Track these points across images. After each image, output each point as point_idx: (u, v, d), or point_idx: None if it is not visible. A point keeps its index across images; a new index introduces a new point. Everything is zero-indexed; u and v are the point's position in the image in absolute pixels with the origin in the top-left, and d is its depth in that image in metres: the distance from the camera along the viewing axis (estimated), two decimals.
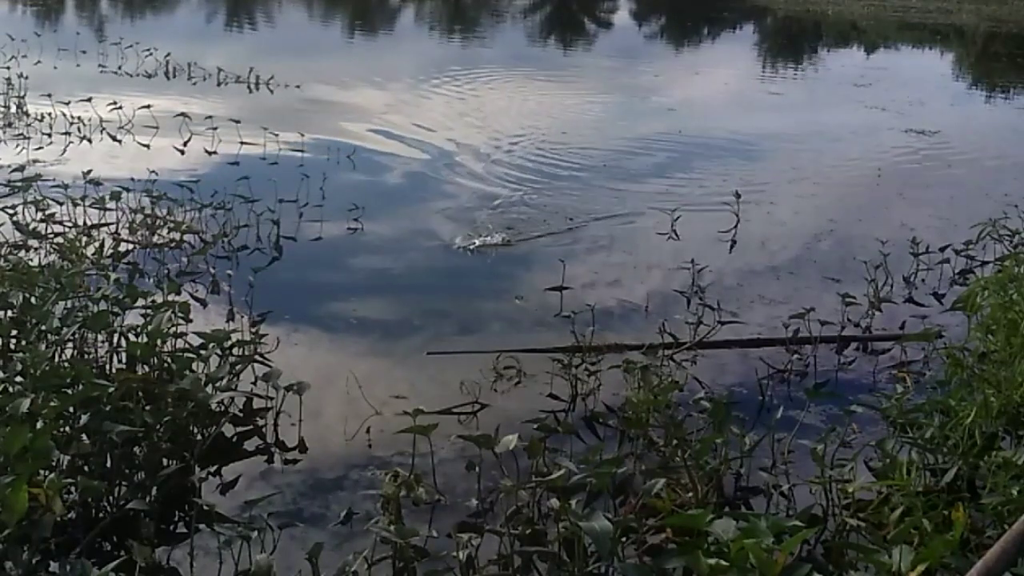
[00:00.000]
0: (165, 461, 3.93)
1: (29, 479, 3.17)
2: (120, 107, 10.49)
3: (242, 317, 5.52)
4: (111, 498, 3.70)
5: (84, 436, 3.84)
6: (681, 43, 25.47)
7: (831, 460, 4.00)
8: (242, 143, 9.83)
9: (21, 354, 4.31)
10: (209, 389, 4.23)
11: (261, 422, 4.48)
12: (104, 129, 10.41)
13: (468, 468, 4.01)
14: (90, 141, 10.01)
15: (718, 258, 7.12)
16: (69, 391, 3.95)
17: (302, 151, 9.74)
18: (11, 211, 6.84)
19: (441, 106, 13.13)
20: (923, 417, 4.21)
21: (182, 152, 9.70)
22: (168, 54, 14.69)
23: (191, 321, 4.91)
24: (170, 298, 5.04)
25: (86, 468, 3.77)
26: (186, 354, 4.49)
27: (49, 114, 10.68)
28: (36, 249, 6.29)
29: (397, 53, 19.17)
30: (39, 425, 3.62)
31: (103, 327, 4.72)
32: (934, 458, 3.99)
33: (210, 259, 6.44)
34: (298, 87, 13.83)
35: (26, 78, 12.20)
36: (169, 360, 4.47)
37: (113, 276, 5.29)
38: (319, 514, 3.80)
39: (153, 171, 7.87)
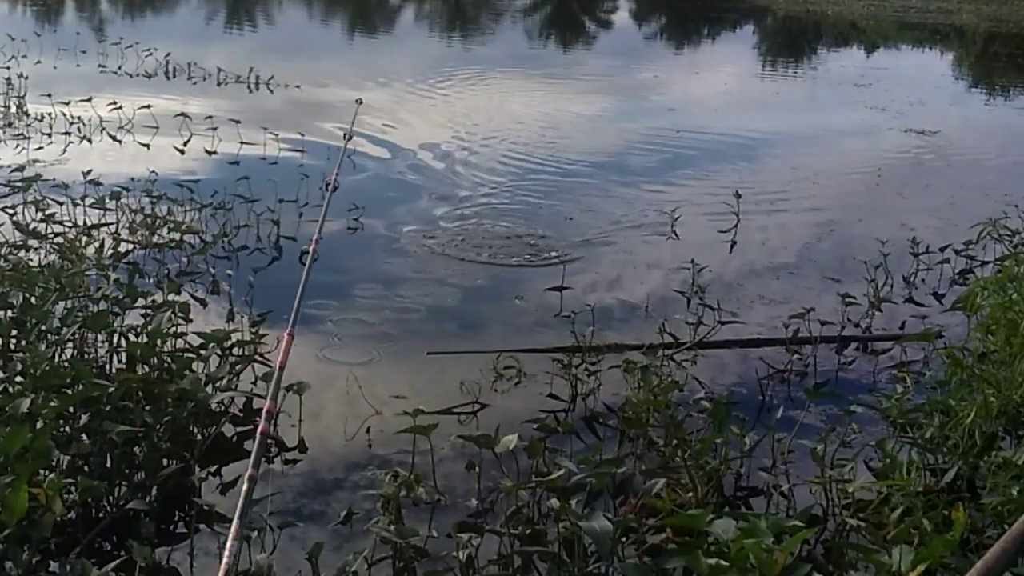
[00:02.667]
0: (165, 461, 3.93)
1: (29, 479, 3.17)
2: (120, 107, 10.48)
3: (242, 317, 5.51)
4: (111, 498, 3.70)
5: (84, 436, 3.84)
6: (681, 43, 25.46)
7: (831, 460, 4.00)
8: (242, 143, 9.83)
9: (21, 354, 4.31)
10: (209, 389, 4.23)
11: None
12: (104, 129, 10.41)
13: (468, 468, 4.00)
14: (90, 141, 10.01)
15: (718, 258, 7.12)
16: (69, 391, 3.95)
17: (302, 151, 9.74)
18: (11, 211, 6.85)
19: (442, 106, 13.14)
20: (923, 417, 4.21)
21: (182, 152, 9.70)
22: (168, 54, 14.69)
23: (191, 321, 4.91)
24: (170, 298, 5.04)
25: (86, 468, 3.77)
26: (186, 354, 4.48)
27: (49, 114, 10.67)
28: (36, 249, 6.29)
29: (397, 53, 19.17)
30: (39, 425, 3.62)
31: (103, 327, 4.72)
32: (934, 458, 3.98)
33: (210, 259, 6.44)
34: (298, 87, 13.83)
35: (26, 78, 12.19)
36: (169, 360, 4.46)
37: (113, 276, 5.29)
38: (319, 514, 3.80)
39: (153, 171, 7.87)
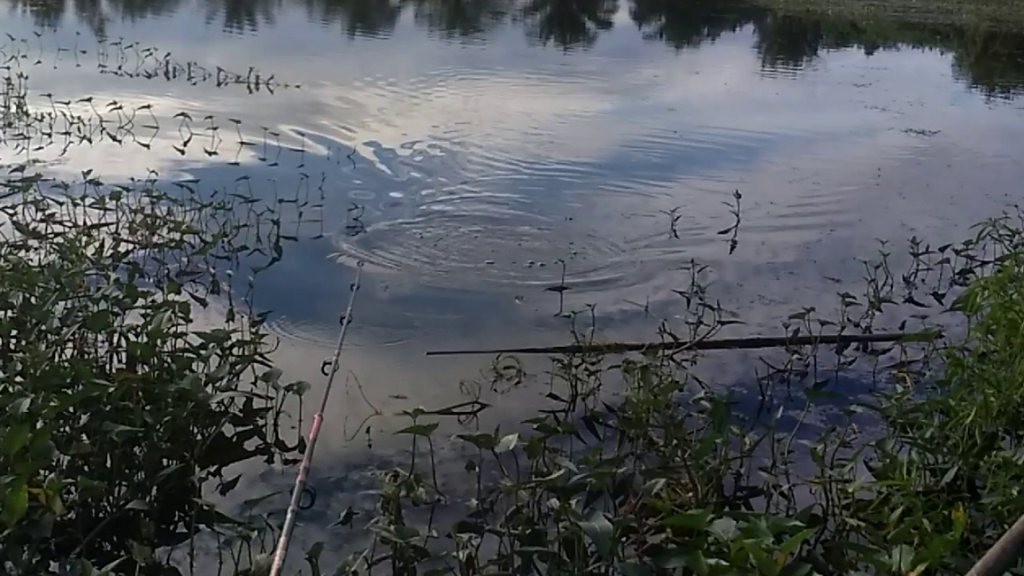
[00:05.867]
0: (165, 461, 3.93)
1: (29, 479, 3.17)
2: (120, 107, 10.48)
3: (242, 317, 5.50)
4: (111, 498, 3.70)
5: (84, 436, 3.84)
6: (681, 43, 25.47)
7: (831, 460, 4.00)
8: (242, 143, 9.83)
9: (21, 354, 4.31)
10: (209, 389, 4.23)
11: (261, 422, 4.48)
12: (104, 129, 10.41)
13: (468, 468, 4.01)
14: (90, 141, 10.01)
15: (718, 258, 7.12)
16: (69, 391, 3.95)
17: (302, 151, 9.74)
18: (11, 211, 6.85)
19: (444, 106, 13.13)
20: (923, 417, 4.21)
21: (182, 152, 9.71)
22: (168, 54, 14.69)
23: (191, 321, 4.91)
24: (170, 298, 5.04)
25: (86, 468, 3.77)
26: (186, 354, 4.48)
27: (49, 114, 10.68)
28: (36, 249, 6.29)
29: (397, 53, 19.17)
30: (39, 425, 3.62)
31: (103, 327, 4.72)
32: (934, 458, 3.99)
33: (210, 259, 6.44)
34: (298, 87, 13.83)
35: (26, 78, 12.21)
36: (169, 360, 4.46)
37: (113, 276, 5.29)
38: (319, 514, 3.80)
39: (153, 171, 7.87)
